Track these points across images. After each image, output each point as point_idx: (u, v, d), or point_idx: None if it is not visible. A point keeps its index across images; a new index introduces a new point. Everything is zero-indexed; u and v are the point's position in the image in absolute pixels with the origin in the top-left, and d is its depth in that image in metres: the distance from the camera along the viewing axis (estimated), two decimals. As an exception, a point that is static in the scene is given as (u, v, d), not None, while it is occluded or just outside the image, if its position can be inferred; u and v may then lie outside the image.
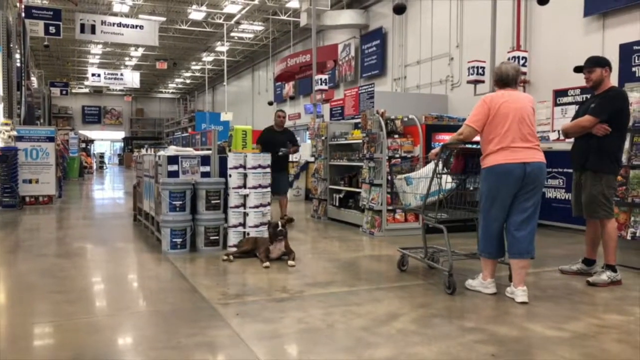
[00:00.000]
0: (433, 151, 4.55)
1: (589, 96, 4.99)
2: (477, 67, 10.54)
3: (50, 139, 11.29)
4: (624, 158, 5.02)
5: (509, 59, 9.50)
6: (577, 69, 4.82)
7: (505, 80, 4.20)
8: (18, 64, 13.54)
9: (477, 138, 4.30)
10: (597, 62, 4.67)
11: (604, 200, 4.54)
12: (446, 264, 4.40)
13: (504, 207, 4.09)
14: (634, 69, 8.82)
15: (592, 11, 10.26)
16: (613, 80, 8.95)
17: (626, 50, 8.98)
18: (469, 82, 10.96)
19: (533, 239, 4.08)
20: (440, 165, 4.43)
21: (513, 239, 4.05)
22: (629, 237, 5.00)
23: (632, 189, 4.95)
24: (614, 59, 9.07)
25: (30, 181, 10.94)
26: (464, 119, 8.00)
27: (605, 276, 4.49)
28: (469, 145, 4.49)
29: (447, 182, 4.46)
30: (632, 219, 5.00)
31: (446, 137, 7.33)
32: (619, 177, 5.01)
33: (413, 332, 3.34)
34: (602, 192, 4.53)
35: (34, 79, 23.71)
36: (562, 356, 2.97)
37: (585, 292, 4.35)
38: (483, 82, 10.69)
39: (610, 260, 4.55)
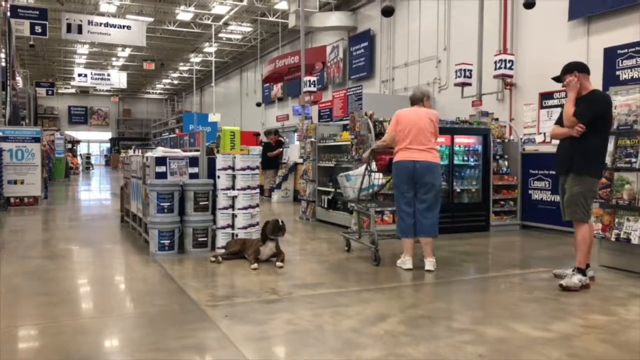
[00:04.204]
0: (364, 155, 5.83)
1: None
2: (465, 70, 10.61)
3: (36, 140, 11.18)
4: (608, 160, 5.10)
5: (495, 62, 9.59)
6: (556, 79, 4.85)
7: (413, 100, 5.41)
8: (3, 64, 13.37)
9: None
10: (566, 70, 4.71)
11: (583, 202, 4.53)
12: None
13: (406, 196, 5.17)
14: (618, 72, 8.96)
15: (577, 15, 10.40)
16: (597, 83, 9.11)
17: (610, 54, 9.12)
18: (456, 84, 11.02)
19: (435, 223, 5.16)
20: (373, 165, 5.59)
21: (419, 223, 5.14)
22: (613, 239, 5.08)
23: (617, 191, 5.02)
24: (599, 63, 9.22)
25: (15, 182, 10.81)
26: (451, 122, 8.12)
27: (577, 279, 4.39)
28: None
29: (378, 178, 5.71)
30: (616, 220, 5.08)
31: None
32: (604, 180, 5.09)
33: (401, 333, 3.36)
34: (583, 194, 4.52)
35: (19, 78, 23.45)
36: (547, 356, 3.00)
37: (570, 293, 4.39)
38: (470, 84, 10.76)
39: (582, 263, 4.51)
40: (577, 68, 4.66)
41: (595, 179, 4.63)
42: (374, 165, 5.64)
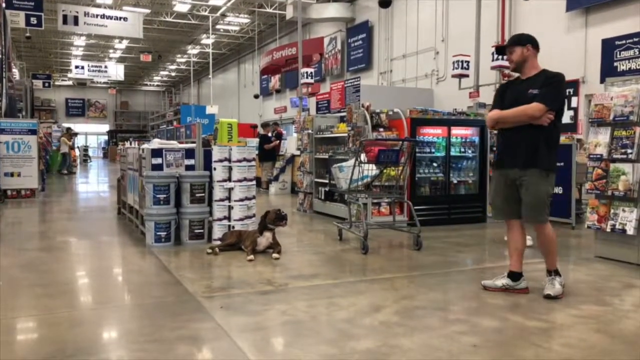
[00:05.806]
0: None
1: (504, 82, 4.35)
2: (462, 61, 10.59)
3: (33, 132, 11.15)
4: (604, 151, 5.11)
5: (493, 53, 9.56)
6: (500, 50, 4.12)
7: None
8: (-1, 56, 13.29)
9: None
10: (516, 40, 4.07)
11: (548, 202, 3.99)
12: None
13: None
14: (616, 63, 8.95)
15: (575, 6, 10.36)
16: (596, 74, 9.08)
17: (608, 45, 9.10)
18: (453, 76, 11.01)
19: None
20: (362, 157, 5.74)
21: None
22: (608, 230, 5.09)
23: (612, 182, 5.03)
24: (597, 54, 9.20)
25: (12, 174, 10.79)
26: (448, 113, 8.10)
27: (558, 283, 4.00)
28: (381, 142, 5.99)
29: (370, 169, 5.82)
30: (612, 211, 5.09)
31: (431, 131, 7.44)
32: (599, 171, 5.09)
33: (395, 323, 3.37)
34: (548, 193, 3.98)
35: (15, 70, 23.29)
36: (541, 346, 3.02)
37: (565, 283, 4.40)
38: (467, 76, 10.75)
39: (555, 264, 4.10)
40: (532, 42, 4.05)
41: (555, 173, 4.06)
42: (364, 157, 5.77)
